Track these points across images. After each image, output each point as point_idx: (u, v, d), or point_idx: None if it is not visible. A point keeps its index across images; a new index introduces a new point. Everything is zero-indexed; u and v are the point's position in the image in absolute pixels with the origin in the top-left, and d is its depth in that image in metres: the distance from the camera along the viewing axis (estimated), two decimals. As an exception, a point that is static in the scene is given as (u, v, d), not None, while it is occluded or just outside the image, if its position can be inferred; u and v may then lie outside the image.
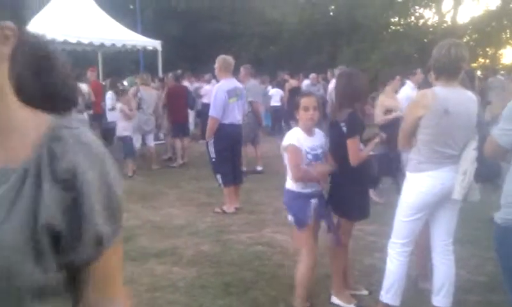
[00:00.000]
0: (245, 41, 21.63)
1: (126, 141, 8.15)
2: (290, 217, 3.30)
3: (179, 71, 10.20)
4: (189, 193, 7.06)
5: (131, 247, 4.70)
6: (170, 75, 9.78)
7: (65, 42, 9.78)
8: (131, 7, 16.96)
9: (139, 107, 8.43)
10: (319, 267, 3.52)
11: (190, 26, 18.68)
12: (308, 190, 3.23)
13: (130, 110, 8.07)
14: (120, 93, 8.38)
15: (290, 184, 3.29)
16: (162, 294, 3.71)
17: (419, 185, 3.03)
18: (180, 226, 5.46)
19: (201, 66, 15.70)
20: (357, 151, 3.26)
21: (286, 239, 4.75)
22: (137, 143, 8.63)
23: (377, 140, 3.43)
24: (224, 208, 6.01)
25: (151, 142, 8.92)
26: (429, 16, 21.30)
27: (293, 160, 3.15)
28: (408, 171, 3.14)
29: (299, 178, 3.17)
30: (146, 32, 13.97)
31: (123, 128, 8.10)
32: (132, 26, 13.46)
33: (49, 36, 8.09)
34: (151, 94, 8.81)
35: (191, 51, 18.79)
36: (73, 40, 9.94)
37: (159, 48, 11.52)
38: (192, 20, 18.78)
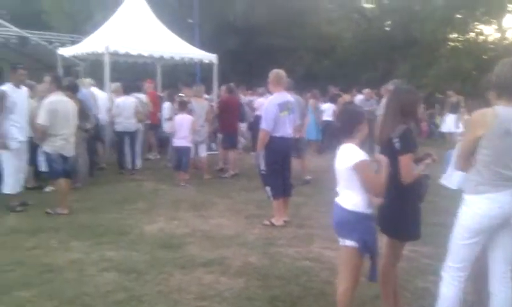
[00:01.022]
0: (299, 56, 21.68)
1: (181, 151, 8.31)
2: (349, 242, 3.04)
3: (232, 84, 10.35)
4: (239, 204, 7.12)
5: (180, 254, 4.80)
6: (223, 87, 9.96)
7: (127, 54, 10.22)
8: (190, 21, 17.40)
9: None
10: (367, 288, 3.43)
11: (246, 40, 18.95)
12: (370, 211, 3.07)
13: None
14: (179, 104, 8.57)
15: (354, 204, 3.04)
16: (209, 304, 3.75)
17: (476, 207, 2.91)
18: (229, 236, 5.51)
19: (255, 80, 15.86)
20: (410, 168, 3.14)
21: (334, 256, 4.68)
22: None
23: (428, 161, 3.29)
24: (273, 220, 6.01)
25: (203, 152, 9.09)
26: (489, 32, 20.48)
27: (370, 174, 3.00)
28: (466, 193, 3.01)
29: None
30: (203, 45, 14.30)
31: (179, 139, 8.28)
32: (190, 40, 13.83)
33: (112, 48, 8.57)
34: (202, 105, 8.99)
35: (246, 65, 19.05)
36: (134, 53, 10.35)
37: (215, 61, 11.76)
38: (249, 35, 19.05)
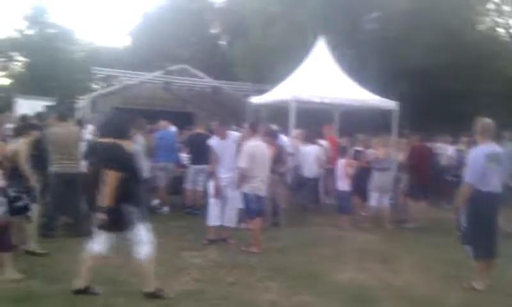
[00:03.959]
0: (484, 101, 19.94)
1: (343, 195, 8.43)
2: None
3: (406, 131, 10.00)
4: (428, 261, 6.64)
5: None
6: (412, 134, 9.64)
7: (310, 102, 10.62)
8: (365, 67, 17.43)
9: (386, 168, 8.58)
10: None
11: (422, 85, 18.21)
12: None
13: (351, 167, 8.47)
14: (343, 150, 8.74)
15: None
16: None
17: None
18: (426, 297, 5.16)
19: (434, 125, 15.07)
20: None
21: None
22: (373, 201, 8.69)
23: None
24: (474, 283, 5.46)
25: (387, 201, 8.83)
26: None
27: None
28: None
29: None
30: (378, 91, 14.13)
31: (341, 183, 8.46)
32: (366, 84, 13.79)
33: (297, 95, 8.97)
34: (397, 154, 8.84)
35: (423, 110, 18.22)
36: (317, 100, 10.72)
37: (396, 108, 11.50)
38: (425, 79, 18.26)
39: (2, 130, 8.24)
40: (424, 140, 9.50)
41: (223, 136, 7.00)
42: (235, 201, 7.02)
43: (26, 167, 5.82)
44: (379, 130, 11.22)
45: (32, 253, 5.89)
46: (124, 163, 4.45)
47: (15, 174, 5.64)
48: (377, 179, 8.67)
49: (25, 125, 6.84)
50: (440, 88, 17.99)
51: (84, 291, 4.63)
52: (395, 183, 9.36)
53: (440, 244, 7.44)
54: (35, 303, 4.47)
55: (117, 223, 4.45)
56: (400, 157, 9.35)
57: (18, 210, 5.21)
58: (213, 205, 6.98)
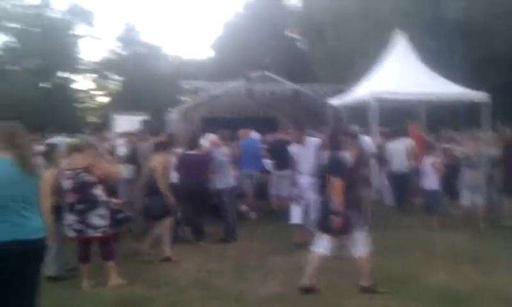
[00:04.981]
0: None
1: (431, 195, 8.16)
2: None
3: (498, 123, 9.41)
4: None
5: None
6: (504, 128, 9.09)
7: (393, 99, 10.40)
8: (449, 58, 16.61)
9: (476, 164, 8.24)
10: None
11: (509, 73, 16.90)
12: None
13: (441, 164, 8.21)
14: (430, 147, 8.45)
15: None
16: None
17: None
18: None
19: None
20: None
21: None
22: (465, 201, 8.35)
23: None
24: None
25: (479, 199, 8.42)
26: None
27: None
28: None
29: None
30: (465, 82, 13.40)
31: (429, 182, 8.20)
32: (451, 77, 13.15)
33: (378, 94, 8.85)
34: (490, 150, 8.42)
35: (510, 100, 16.92)
36: (398, 96, 10.47)
37: (486, 100, 10.86)
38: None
39: (101, 148, 8.84)
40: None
41: (299, 141, 7.14)
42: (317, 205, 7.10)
43: (164, 183, 6.48)
44: (468, 124, 10.69)
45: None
46: (345, 171, 5.05)
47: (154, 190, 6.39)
48: (467, 176, 8.31)
49: (163, 142, 7.15)
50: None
51: (310, 290, 5.14)
52: (488, 180, 8.87)
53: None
54: (141, 306, 4.92)
55: (345, 226, 5.01)
56: (493, 152, 8.83)
57: (119, 222, 5.73)
58: (293, 207, 7.15)
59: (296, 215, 7.12)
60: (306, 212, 7.16)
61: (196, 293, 5.23)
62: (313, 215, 7.12)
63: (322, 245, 5.15)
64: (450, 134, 9.33)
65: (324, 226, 5.08)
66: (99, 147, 8.64)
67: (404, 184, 9.49)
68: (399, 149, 9.64)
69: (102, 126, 10.46)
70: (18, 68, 31.59)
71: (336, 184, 4.90)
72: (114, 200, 6.40)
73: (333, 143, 5.41)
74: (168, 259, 6.46)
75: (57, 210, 5.49)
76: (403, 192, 9.67)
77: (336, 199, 4.90)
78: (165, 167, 6.65)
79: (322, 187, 5.29)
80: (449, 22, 16.61)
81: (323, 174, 5.28)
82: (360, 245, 5.11)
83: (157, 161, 6.55)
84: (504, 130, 9.21)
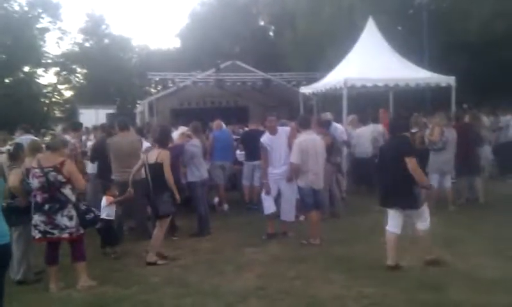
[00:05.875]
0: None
1: None
2: None
3: (465, 106, 9.57)
4: (497, 240, 6.40)
5: (443, 298, 4.55)
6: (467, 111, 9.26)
7: (363, 86, 10.49)
8: (418, 43, 16.81)
9: (443, 147, 8.31)
10: None
11: (478, 57, 17.22)
12: None
13: None
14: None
15: None
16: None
17: None
18: (495, 279, 4.99)
19: (491, 99, 14.29)
20: None
21: None
22: (434, 183, 8.42)
23: None
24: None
25: (448, 182, 8.57)
26: None
27: None
28: None
29: None
30: (432, 67, 13.61)
31: None
32: (419, 62, 13.34)
33: (350, 82, 8.90)
34: (452, 133, 8.50)
35: (478, 84, 17.27)
36: (370, 84, 10.55)
37: (453, 84, 11.06)
38: (481, 51, 17.24)
39: (75, 146, 8.50)
40: (489, 113, 9.06)
41: (273, 131, 7.08)
42: (290, 195, 7.09)
43: (171, 178, 6.07)
44: (437, 108, 10.83)
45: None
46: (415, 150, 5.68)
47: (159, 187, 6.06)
48: (434, 160, 8.42)
49: (164, 136, 6.69)
50: (498, 59, 16.98)
51: (396, 268, 5.44)
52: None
53: (507, 222, 7.15)
54: (110, 307, 4.79)
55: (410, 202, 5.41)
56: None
57: (89, 222, 5.55)
58: (265, 197, 7.11)
59: (268, 206, 7.08)
60: (277, 203, 7.16)
61: (169, 290, 5.12)
62: (286, 204, 7.15)
63: (396, 224, 5.52)
64: (420, 119, 9.41)
65: (398, 202, 5.44)
66: (75, 145, 8.43)
67: (366, 169, 9.65)
68: (364, 135, 9.78)
69: (78, 125, 10.06)
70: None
71: (413, 162, 5.27)
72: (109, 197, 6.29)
73: (397, 126, 5.79)
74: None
75: (23, 211, 5.29)
76: (365, 176, 9.86)
77: (418, 175, 5.29)
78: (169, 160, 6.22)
79: (382, 168, 5.67)
80: (417, 6, 16.78)
81: (385, 157, 5.65)
82: (424, 219, 5.50)
83: (162, 156, 6.15)
84: (459, 114, 9.41)
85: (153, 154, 6.23)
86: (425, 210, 5.53)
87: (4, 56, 31.25)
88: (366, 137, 9.90)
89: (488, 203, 8.73)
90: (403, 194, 5.37)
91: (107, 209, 6.54)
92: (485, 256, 5.83)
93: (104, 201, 6.60)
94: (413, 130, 9.30)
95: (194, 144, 7.84)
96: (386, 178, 5.56)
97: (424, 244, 5.62)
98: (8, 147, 6.48)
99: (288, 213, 7.18)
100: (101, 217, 6.29)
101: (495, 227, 7.14)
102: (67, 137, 8.84)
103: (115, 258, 6.41)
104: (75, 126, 9.80)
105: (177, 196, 6.16)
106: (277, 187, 7.08)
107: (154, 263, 6.04)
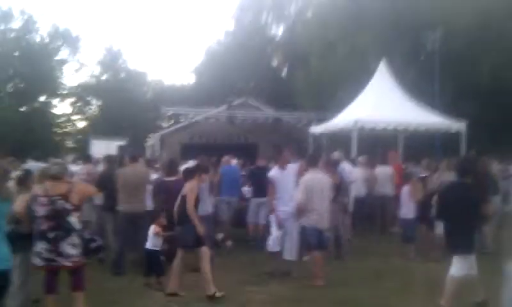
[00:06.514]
0: None
1: (407, 223, 8.26)
2: None
3: (473, 152, 9.54)
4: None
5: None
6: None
7: (373, 129, 10.51)
8: (429, 87, 16.88)
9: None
10: None
11: (489, 102, 17.18)
12: None
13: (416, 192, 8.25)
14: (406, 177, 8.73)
15: None
16: None
17: None
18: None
19: (502, 145, 14.18)
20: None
21: None
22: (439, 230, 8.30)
23: None
24: None
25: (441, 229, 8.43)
26: None
27: None
28: None
29: None
30: (442, 111, 13.61)
31: (405, 211, 8.29)
32: (430, 105, 13.35)
33: (360, 123, 8.92)
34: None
35: (489, 129, 17.15)
36: (380, 127, 10.57)
37: (463, 130, 11.03)
38: (495, 97, 17.22)
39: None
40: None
41: (283, 166, 7.10)
42: (295, 234, 7.03)
43: (193, 210, 6.00)
44: (444, 153, 10.80)
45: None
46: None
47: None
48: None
49: (192, 169, 6.73)
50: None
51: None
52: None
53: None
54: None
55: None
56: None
57: (92, 251, 5.52)
58: (272, 233, 7.07)
59: (273, 244, 7.02)
60: (283, 240, 7.08)
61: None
62: (290, 243, 7.07)
63: (462, 267, 5.36)
64: (429, 163, 9.37)
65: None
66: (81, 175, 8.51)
67: (361, 208, 9.77)
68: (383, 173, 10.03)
69: (88, 158, 10.18)
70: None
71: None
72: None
73: (465, 169, 5.66)
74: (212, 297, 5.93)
75: (26, 237, 5.28)
76: (359, 216, 9.90)
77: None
78: (195, 194, 6.18)
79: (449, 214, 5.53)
80: (428, 51, 16.96)
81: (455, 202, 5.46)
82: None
83: (188, 188, 6.14)
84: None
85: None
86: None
87: (22, 85, 32.02)
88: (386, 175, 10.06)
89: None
90: (472, 238, 5.40)
91: (153, 239, 6.48)
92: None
93: (152, 230, 6.54)
94: (423, 175, 9.28)
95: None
96: (456, 224, 5.41)
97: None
98: (17, 172, 6.53)
99: (292, 251, 7.10)
100: (146, 247, 6.37)
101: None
102: (76, 168, 8.97)
103: (157, 290, 6.29)
104: (85, 158, 10.02)
105: (201, 229, 6.03)
106: (283, 224, 7.04)
107: (213, 295, 5.89)
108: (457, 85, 16.71)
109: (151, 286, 6.33)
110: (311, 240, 6.69)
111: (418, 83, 15.70)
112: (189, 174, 6.41)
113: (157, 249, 6.52)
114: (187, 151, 16.66)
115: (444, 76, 15.92)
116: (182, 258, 6.13)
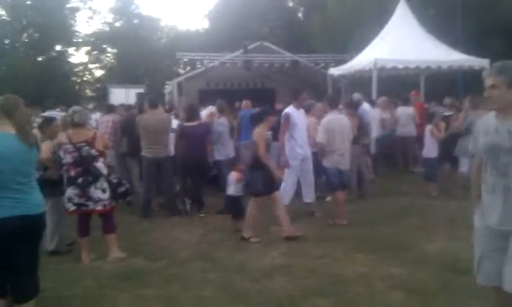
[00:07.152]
0: None
1: (430, 163, 8.18)
2: None
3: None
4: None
5: (473, 281, 4.48)
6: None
7: (393, 68, 10.29)
8: (451, 25, 16.34)
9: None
10: None
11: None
12: None
13: (439, 131, 8.12)
14: (429, 117, 8.51)
15: None
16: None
17: None
18: None
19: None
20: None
21: None
22: (464, 167, 8.25)
23: None
24: None
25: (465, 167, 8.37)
26: None
27: None
28: None
29: None
30: (467, 49, 13.23)
31: (428, 150, 8.16)
32: (453, 44, 12.98)
33: (379, 64, 8.72)
34: (480, 116, 8.29)
35: None
36: (400, 66, 10.34)
37: (487, 66, 10.72)
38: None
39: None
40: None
41: (298, 106, 7.08)
42: (310, 177, 7.11)
43: (264, 156, 5.97)
44: (470, 92, 10.54)
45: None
46: None
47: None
48: (463, 144, 8.21)
49: (261, 113, 6.49)
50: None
51: None
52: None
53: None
54: (140, 279, 4.89)
55: None
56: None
57: (120, 195, 5.67)
58: (287, 178, 7.06)
59: (290, 187, 7.08)
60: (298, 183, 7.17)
61: (196, 265, 5.21)
62: (307, 188, 7.14)
63: None
64: (455, 102, 9.21)
65: None
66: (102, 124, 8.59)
67: (382, 149, 9.96)
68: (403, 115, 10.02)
69: (111, 107, 10.09)
70: (10, 42, 31.18)
71: None
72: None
73: None
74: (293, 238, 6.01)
75: (55, 183, 5.43)
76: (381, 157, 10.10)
77: None
78: (264, 139, 6.18)
79: None
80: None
81: None
82: None
83: (257, 134, 6.07)
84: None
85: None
86: None
87: (37, 35, 31.89)
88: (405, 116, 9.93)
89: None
90: None
91: (234, 185, 6.53)
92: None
93: (232, 177, 6.60)
94: (447, 113, 9.16)
95: (222, 123, 7.89)
96: None
97: None
98: (38, 120, 6.63)
99: (311, 194, 7.19)
100: (228, 193, 6.49)
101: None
102: (96, 115, 8.99)
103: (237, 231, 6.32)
104: (108, 108, 9.96)
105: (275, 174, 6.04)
106: (299, 168, 7.07)
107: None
108: (479, 23, 16.10)
109: (241, 231, 6.22)
110: (333, 180, 6.75)
111: (439, 21, 15.18)
112: (257, 119, 6.32)
113: (239, 194, 6.56)
114: (205, 97, 16.64)
115: (466, 14, 15.33)
116: (255, 206, 6.10)
